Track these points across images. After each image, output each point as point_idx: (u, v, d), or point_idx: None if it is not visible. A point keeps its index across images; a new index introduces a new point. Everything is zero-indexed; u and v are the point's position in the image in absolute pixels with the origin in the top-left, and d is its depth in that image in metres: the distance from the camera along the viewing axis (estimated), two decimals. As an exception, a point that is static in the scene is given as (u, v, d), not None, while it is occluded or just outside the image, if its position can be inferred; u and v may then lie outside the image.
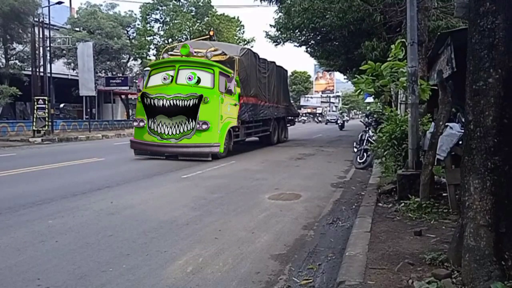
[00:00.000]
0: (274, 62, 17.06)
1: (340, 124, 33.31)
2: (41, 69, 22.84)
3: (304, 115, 65.54)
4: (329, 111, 71.15)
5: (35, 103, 20.55)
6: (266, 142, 16.29)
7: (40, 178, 8.33)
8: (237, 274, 3.38)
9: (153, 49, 34.09)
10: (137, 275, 3.36)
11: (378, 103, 21.38)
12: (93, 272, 3.42)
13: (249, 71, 13.57)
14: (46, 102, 20.61)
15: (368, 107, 32.47)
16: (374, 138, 8.94)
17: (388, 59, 6.40)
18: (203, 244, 4.13)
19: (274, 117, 16.54)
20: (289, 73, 32.53)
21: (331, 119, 47.03)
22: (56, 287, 3.13)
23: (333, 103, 79.80)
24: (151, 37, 34.28)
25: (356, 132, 17.00)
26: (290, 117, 20.38)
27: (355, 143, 11.47)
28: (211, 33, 17.47)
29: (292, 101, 24.26)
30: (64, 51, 27.34)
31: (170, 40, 32.33)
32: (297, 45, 20.18)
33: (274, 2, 16.07)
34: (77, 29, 28.46)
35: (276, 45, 19.54)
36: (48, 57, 23.67)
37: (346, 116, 57.72)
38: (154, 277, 3.32)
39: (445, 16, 10.88)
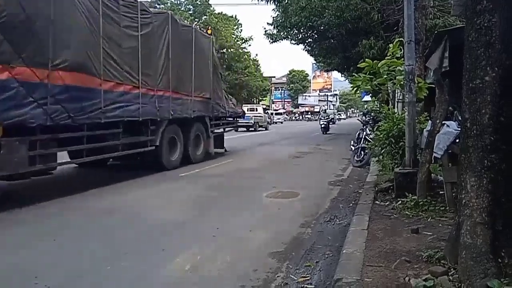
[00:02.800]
0: (167, 14, 9.24)
1: (323, 126, 23.81)
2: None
3: (303, 114, 65.51)
4: (324, 111, 70.34)
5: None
6: (147, 164, 8.90)
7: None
8: (235, 272, 3.38)
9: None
10: (135, 273, 3.36)
11: (376, 102, 21.40)
12: (91, 271, 3.42)
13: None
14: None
15: (365, 106, 31.94)
16: (371, 136, 8.96)
17: (386, 57, 6.40)
18: (201, 242, 4.13)
19: (165, 117, 8.96)
20: (286, 72, 31.80)
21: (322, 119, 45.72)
22: (54, 286, 3.13)
23: (331, 101, 79.81)
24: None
25: (353, 131, 17.02)
26: (226, 118, 12.77)
27: (352, 142, 11.49)
28: (209, 31, 17.38)
29: (232, 98, 14.13)
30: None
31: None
32: (294, 42, 20.13)
33: (271, 1, 16.02)
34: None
35: (272, 42, 19.49)
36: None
37: (337, 114, 50.36)
38: (152, 275, 3.33)
39: (442, 15, 10.93)
